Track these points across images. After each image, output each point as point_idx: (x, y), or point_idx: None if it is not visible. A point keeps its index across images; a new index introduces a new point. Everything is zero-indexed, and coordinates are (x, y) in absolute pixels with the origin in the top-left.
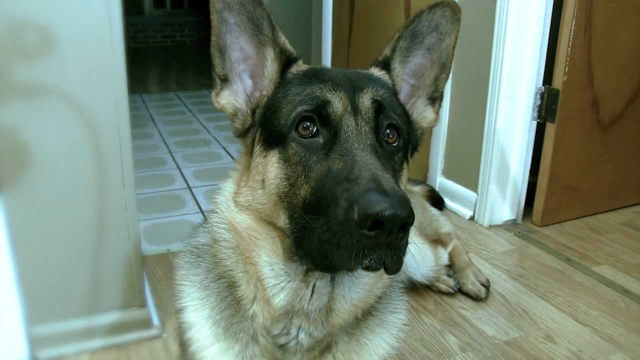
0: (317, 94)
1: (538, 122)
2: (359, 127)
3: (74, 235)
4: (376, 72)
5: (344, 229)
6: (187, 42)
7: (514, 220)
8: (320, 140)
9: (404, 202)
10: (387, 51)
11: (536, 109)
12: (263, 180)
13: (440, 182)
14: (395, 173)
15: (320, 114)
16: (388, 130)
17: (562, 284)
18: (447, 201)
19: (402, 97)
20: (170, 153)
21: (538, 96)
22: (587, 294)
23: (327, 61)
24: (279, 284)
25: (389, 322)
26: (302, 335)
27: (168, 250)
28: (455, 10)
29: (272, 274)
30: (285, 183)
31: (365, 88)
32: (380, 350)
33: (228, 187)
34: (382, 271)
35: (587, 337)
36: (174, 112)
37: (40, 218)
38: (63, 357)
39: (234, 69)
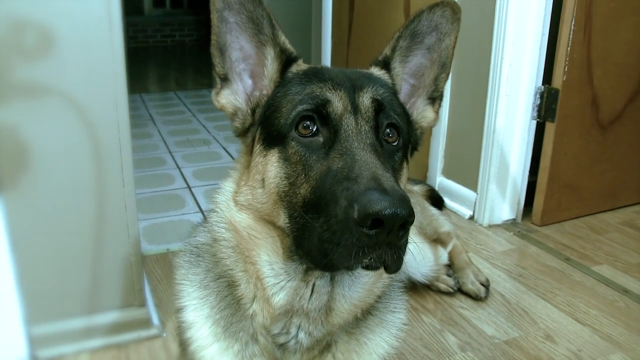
0: (317, 93)
1: (538, 121)
2: (359, 126)
3: (74, 235)
4: (376, 71)
5: (344, 228)
6: (187, 42)
7: (514, 219)
8: (320, 139)
9: (404, 201)
10: (387, 51)
11: (536, 109)
12: (263, 180)
13: (440, 181)
14: (395, 172)
15: (320, 113)
16: (388, 130)
17: (561, 283)
18: (447, 201)
19: (402, 96)
20: (170, 153)
21: (538, 95)
22: (587, 293)
23: (326, 61)
24: (278, 283)
25: (388, 321)
26: (301, 335)
27: (168, 249)
28: (455, 10)
29: (271, 273)
30: (285, 182)
31: (365, 87)
32: (380, 350)
33: (228, 186)
34: (381, 270)
35: (586, 336)
36: (173, 111)
37: (40, 218)
38: (63, 357)
39: (234, 68)
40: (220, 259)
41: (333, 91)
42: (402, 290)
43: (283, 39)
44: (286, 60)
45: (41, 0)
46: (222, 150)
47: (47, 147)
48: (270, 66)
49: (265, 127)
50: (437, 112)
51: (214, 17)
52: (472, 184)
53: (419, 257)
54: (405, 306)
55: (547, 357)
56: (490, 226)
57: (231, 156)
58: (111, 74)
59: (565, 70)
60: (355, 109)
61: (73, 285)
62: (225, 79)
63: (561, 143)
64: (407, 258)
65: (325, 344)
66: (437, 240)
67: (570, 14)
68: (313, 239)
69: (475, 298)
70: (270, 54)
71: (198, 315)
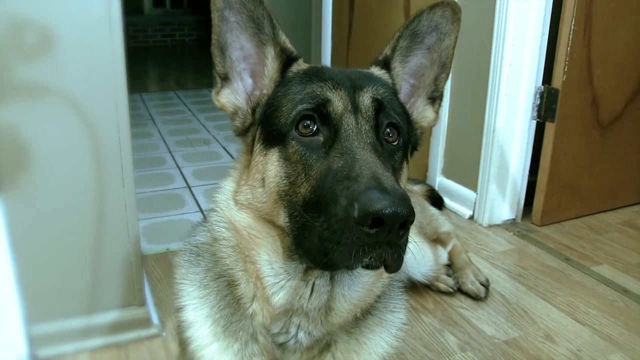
0: (318, 93)
1: (537, 121)
2: (359, 126)
3: (74, 235)
4: (376, 71)
5: (344, 227)
6: (187, 41)
7: (514, 219)
8: (321, 138)
9: (405, 201)
10: (387, 50)
11: (536, 109)
12: (263, 179)
13: (440, 181)
14: (395, 172)
15: (321, 113)
16: (388, 129)
17: (561, 283)
18: (447, 200)
19: (402, 96)
20: (170, 152)
21: (537, 95)
22: (587, 293)
23: (326, 61)
24: (278, 282)
25: (388, 321)
26: (301, 334)
27: (167, 249)
28: (456, 10)
29: (271, 272)
30: (285, 181)
31: (366, 87)
32: (380, 350)
33: (228, 185)
34: (381, 270)
35: (586, 336)
36: (173, 111)
37: (39, 217)
38: (63, 356)
39: (235, 68)
40: (220, 258)
41: (333, 91)
42: (401, 290)
43: (283, 38)
44: (286, 60)
45: (41, 0)
46: (222, 149)
47: (47, 147)
48: (271, 65)
49: (266, 127)
50: (437, 112)
51: (214, 16)
52: (472, 184)
53: (419, 257)
54: (405, 306)
55: (547, 357)
56: (490, 226)
57: (231, 156)
58: (111, 73)
59: (565, 70)
60: (356, 109)
61: (73, 285)
62: (225, 78)
63: (561, 143)
64: (407, 258)
65: (325, 344)
66: (437, 240)
67: (570, 13)
68: (313, 238)
69: (475, 298)
70: (270, 54)
71: (198, 314)
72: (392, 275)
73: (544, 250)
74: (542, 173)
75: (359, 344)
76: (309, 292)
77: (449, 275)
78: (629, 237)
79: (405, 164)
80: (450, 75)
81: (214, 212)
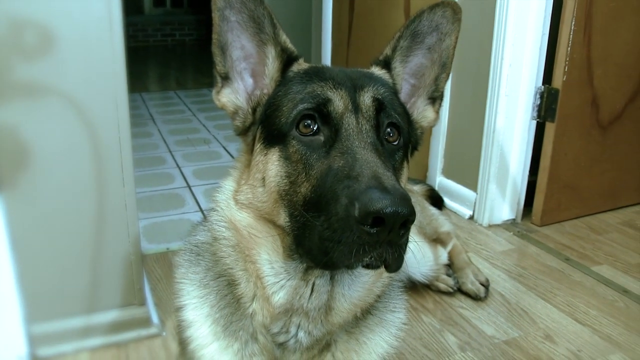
0: (318, 92)
1: (538, 121)
2: (360, 125)
3: (74, 234)
4: (377, 71)
5: (345, 226)
6: (187, 41)
7: (514, 219)
8: (321, 138)
9: (405, 200)
10: (387, 50)
11: (536, 109)
12: (263, 178)
13: (440, 181)
14: (396, 172)
15: (321, 112)
16: (389, 129)
17: (561, 283)
18: (447, 200)
19: (403, 96)
20: (170, 152)
21: (538, 96)
22: (587, 293)
23: (326, 61)
24: (278, 282)
25: (388, 321)
26: (301, 334)
27: (167, 248)
28: (456, 11)
29: (271, 272)
30: (285, 181)
31: (366, 87)
32: (380, 349)
33: (228, 185)
34: (381, 270)
35: (586, 336)
36: (173, 110)
37: (40, 217)
38: (62, 356)
39: (235, 67)
40: (220, 258)
41: (334, 90)
42: (401, 289)
43: (284, 38)
44: (287, 60)
45: (41, 0)
46: (222, 149)
47: (47, 147)
48: (271, 65)
49: (266, 126)
50: (437, 112)
51: (215, 15)
52: (472, 184)
53: (419, 257)
54: (404, 306)
55: (547, 357)
56: (490, 226)
57: (231, 155)
58: (111, 73)
59: (566, 70)
60: (356, 108)
61: (73, 284)
62: (226, 78)
63: (561, 143)
64: (407, 257)
65: (325, 343)
66: (436, 240)
67: (570, 14)
68: (314, 238)
69: (475, 298)
70: (271, 53)
71: (198, 314)
72: (392, 275)
73: (544, 250)
74: (542, 173)
75: (359, 343)
76: (309, 292)
77: (449, 275)
78: (629, 237)
79: (405, 164)
80: (451, 75)
81: (214, 211)
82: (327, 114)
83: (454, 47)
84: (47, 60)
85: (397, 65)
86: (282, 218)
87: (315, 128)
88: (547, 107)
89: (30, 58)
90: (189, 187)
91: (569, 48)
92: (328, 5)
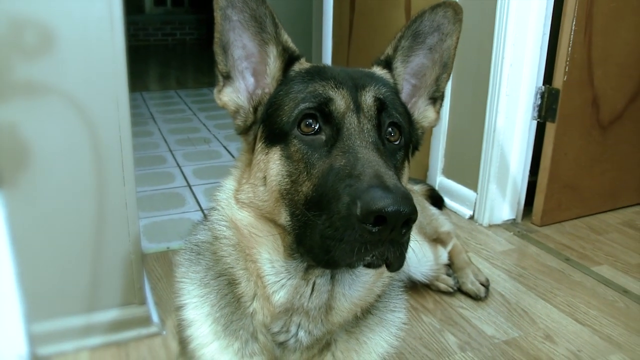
0: (320, 92)
1: (538, 121)
2: (361, 125)
3: (74, 233)
4: (378, 71)
5: (346, 224)
6: (188, 41)
7: (514, 219)
8: (323, 137)
9: (407, 199)
10: (389, 50)
11: (536, 109)
12: (264, 177)
13: (440, 181)
14: (397, 171)
15: (323, 112)
16: (390, 129)
17: (561, 283)
18: (447, 200)
19: (404, 96)
20: (171, 151)
21: (538, 96)
22: (587, 293)
23: (327, 60)
24: (279, 281)
25: (388, 320)
26: (301, 333)
27: (168, 248)
28: (457, 11)
29: (272, 271)
30: (287, 180)
31: (368, 86)
32: (380, 349)
33: (229, 184)
34: (382, 269)
35: (586, 337)
36: (174, 110)
37: (40, 216)
38: (63, 355)
39: (237, 67)
40: (220, 257)
41: (335, 90)
42: (402, 289)
43: (286, 37)
44: (288, 59)
45: None
46: (223, 148)
47: (48, 146)
48: (273, 64)
49: (268, 125)
50: (438, 112)
51: (217, 15)
52: (472, 184)
53: (419, 256)
54: (405, 305)
55: (547, 357)
56: (490, 226)
57: (231, 155)
58: (112, 72)
59: (566, 70)
60: (358, 108)
61: (73, 283)
62: (227, 77)
63: (561, 143)
64: (408, 257)
65: (325, 343)
66: (437, 239)
67: (571, 14)
68: (315, 236)
69: (475, 298)
70: (272, 52)
71: (198, 313)
72: (393, 274)
73: (544, 250)
74: (542, 173)
75: (359, 343)
76: (309, 291)
77: (449, 275)
78: (629, 237)
79: (406, 164)
80: (451, 75)
81: (214, 210)
82: (328, 114)
83: (455, 47)
84: (47, 60)
85: (398, 65)
86: (283, 217)
87: (316, 127)
88: (547, 107)
89: (31, 58)
90: (189, 186)
91: (569, 48)
92: (329, 5)
